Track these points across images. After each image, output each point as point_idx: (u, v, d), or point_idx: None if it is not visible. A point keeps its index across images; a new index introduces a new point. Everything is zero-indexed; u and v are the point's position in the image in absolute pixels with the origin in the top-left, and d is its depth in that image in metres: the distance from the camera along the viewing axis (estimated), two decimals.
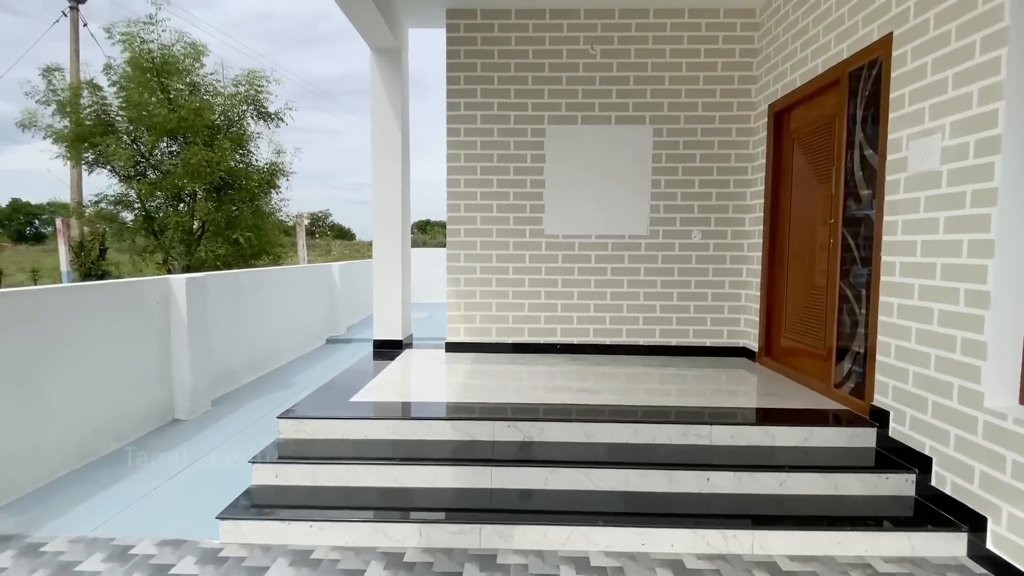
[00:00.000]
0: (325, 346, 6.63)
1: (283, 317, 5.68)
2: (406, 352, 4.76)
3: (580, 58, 4.53)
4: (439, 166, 5.02)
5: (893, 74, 2.72)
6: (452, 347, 4.76)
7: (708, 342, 4.69)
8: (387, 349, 4.79)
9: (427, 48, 5.79)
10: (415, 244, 10.25)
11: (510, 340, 4.74)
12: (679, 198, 4.60)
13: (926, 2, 2.49)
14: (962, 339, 2.29)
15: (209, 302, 4.17)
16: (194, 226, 9.48)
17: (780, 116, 4.09)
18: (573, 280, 4.68)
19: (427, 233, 30.81)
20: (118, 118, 9.11)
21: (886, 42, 2.78)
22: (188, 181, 8.84)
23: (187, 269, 9.20)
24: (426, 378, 3.94)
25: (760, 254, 4.34)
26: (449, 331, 4.77)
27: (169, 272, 9.36)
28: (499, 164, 4.62)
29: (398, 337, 4.84)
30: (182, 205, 9.49)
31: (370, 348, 4.95)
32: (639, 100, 4.53)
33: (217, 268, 8.94)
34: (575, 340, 4.70)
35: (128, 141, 9.08)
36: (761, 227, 4.31)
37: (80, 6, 12.56)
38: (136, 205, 9.41)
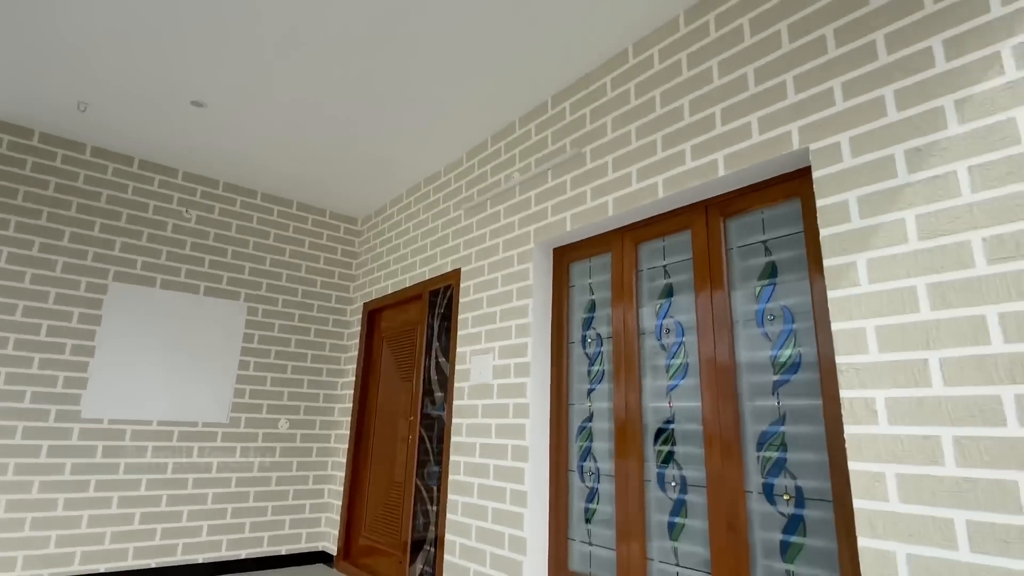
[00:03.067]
0: None
1: None
2: None
3: (171, 218, 4.05)
4: None
5: (460, 300, 3.33)
6: None
7: (284, 550, 4.15)
8: None
9: None
10: None
11: None
12: (269, 383, 4.29)
13: (483, 252, 3.22)
14: (509, 536, 2.63)
15: None
16: None
17: (373, 314, 4.45)
18: (115, 481, 3.57)
19: None
20: None
21: (456, 274, 3.43)
22: None
23: None
24: None
25: (347, 446, 4.30)
26: None
27: None
28: (23, 319, 3.44)
29: None
30: None
31: None
32: (236, 275, 4.26)
33: None
34: (103, 568, 3.45)
35: None
36: (349, 418, 4.34)
37: None
38: None
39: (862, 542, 1.51)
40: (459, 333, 3.28)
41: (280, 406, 4.30)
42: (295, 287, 4.52)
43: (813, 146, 1.80)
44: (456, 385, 3.21)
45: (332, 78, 2.88)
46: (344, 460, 4.29)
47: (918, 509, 1.42)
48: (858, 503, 1.53)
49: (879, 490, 1.50)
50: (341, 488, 4.24)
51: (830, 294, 1.68)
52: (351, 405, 4.37)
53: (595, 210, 2.55)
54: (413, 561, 3.29)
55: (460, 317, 3.30)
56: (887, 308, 1.56)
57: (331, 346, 4.63)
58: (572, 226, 2.65)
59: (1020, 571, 1.25)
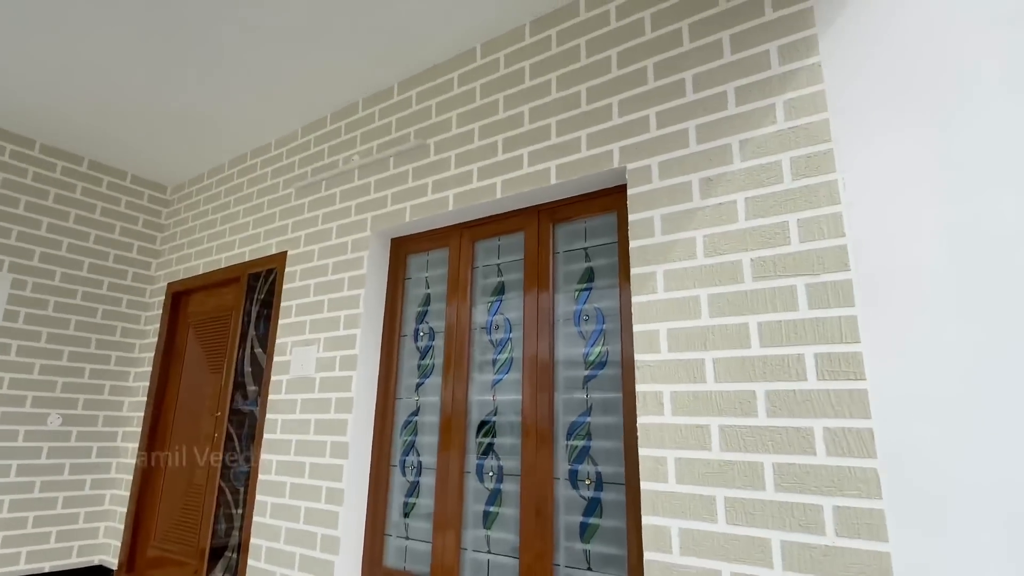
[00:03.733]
0: None
1: None
2: None
3: None
4: None
5: (285, 286, 3.09)
6: None
7: (48, 567, 3.48)
8: None
9: None
10: None
11: None
12: (37, 370, 3.56)
13: (314, 236, 3.03)
14: (322, 536, 2.50)
15: None
16: None
17: (179, 297, 3.94)
18: None
19: None
20: None
21: (281, 258, 3.18)
22: None
23: None
24: None
25: (136, 445, 3.75)
26: None
27: None
28: None
29: None
30: None
31: None
32: (1, 241, 3.47)
33: None
34: None
35: None
36: (143, 413, 3.79)
37: None
38: None
39: (645, 520, 1.70)
40: (281, 322, 3.05)
41: (51, 399, 3.60)
42: (79, 259, 3.82)
43: (630, 166, 1.99)
44: (273, 378, 2.98)
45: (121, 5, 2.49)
46: (133, 461, 3.73)
47: (689, 488, 1.65)
48: (644, 485, 1.73)
49: (661, 473, 1.70)
50: (127, 493, 3.68)
51: (634, 299, 1.88)
52: (146, 399, 3.81)
53: (435, 203, 2.54)
54: (211, 569, 2.98)
55: (283, 305, 3.07)
56: (676, 313, 1.78)
57: (123, 331, 4.00)
58: (412, 217, 2.61)
59: (760, 537, 1.51)
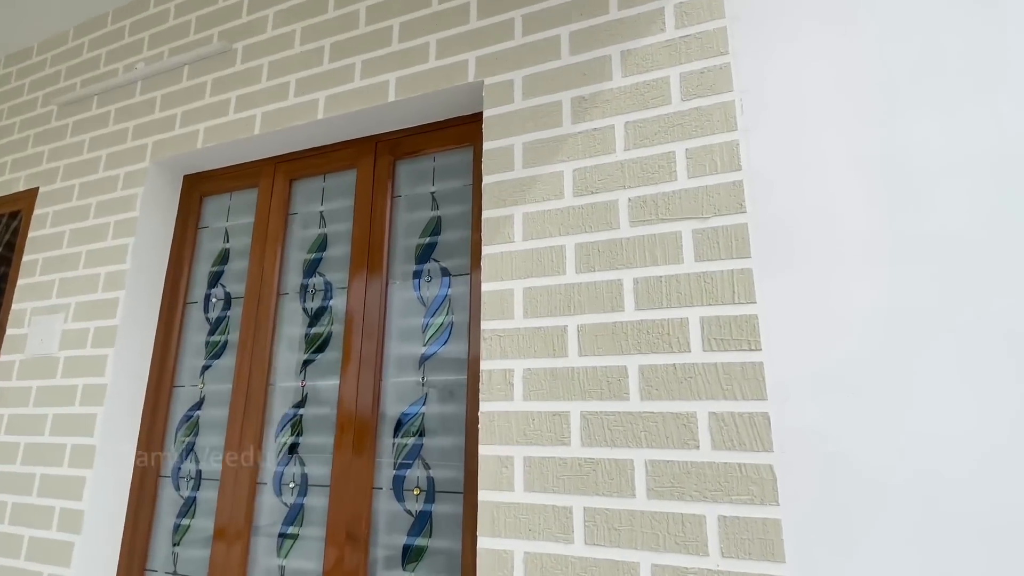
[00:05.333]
0: None
1: None
2: None
3: None
4: None
5: (31, 235, 2.26)
6: None
7: None
8: None
9: None
10: None
11: None
12: None
13: (77, 168, 2.23)
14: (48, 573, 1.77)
15: None
16: None
17: None
18: None
19: None
20: None
21: (31, 196, 2.34)
22: None
23: None
24: None
25: None
26: None
27: None
28: None
29: None
30: None
31: None
32: None
33: None
34: None
35: None
36: None
37: None
38: None
39: (482, 543, 1.25)
40: (20, 282, 2.21)
41: None
42: None
43: (488, 80, 1.55)
44: (3, 359, 2.14)
45: None
46: None
47: (541, 498, 1.22)
48: (484, 495, 1.28)
49: (506, 478, 1.26)
50: None
51: (485, 250, 1.43)
52: None
53: (239, 125, 1.91)
54: None
55: (26, 259, 2.23)
56: (536, 268, 1.36)
57: None
58: (206, 142, 1.96)
59: (627, 561, 1.12)
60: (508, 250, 1.40)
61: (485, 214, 1.45)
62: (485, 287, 1.40)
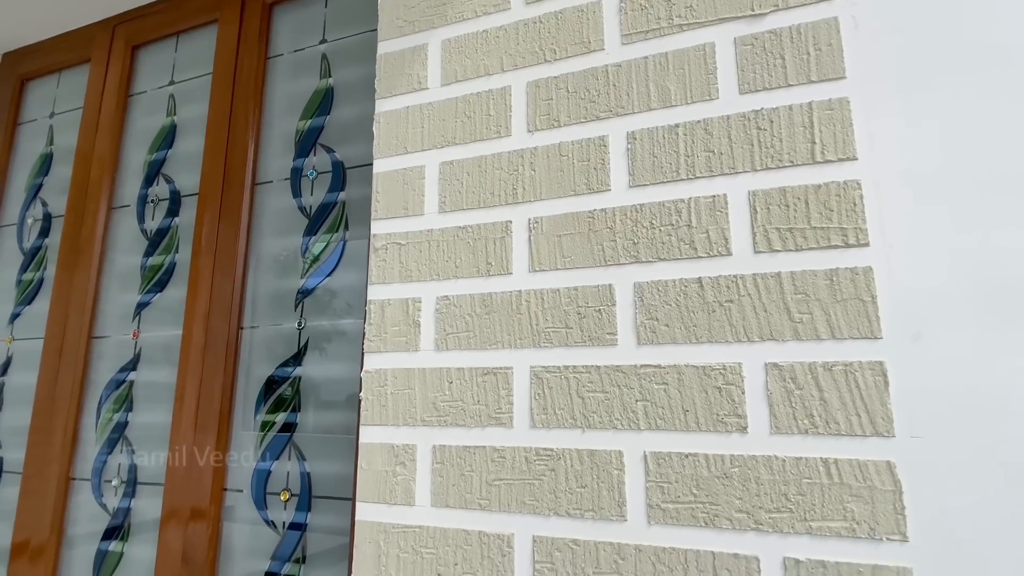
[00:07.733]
0: None
1: None
2: None
3: None
4: None
5: None
6: None
7: None
8: None
9: None
10: None
11: None
12: None
13: None
14: None
15: None
16: None
17: None
18: None
19: None
20: None
21: None
22: None
23: None
24: None
25: None
26: None
27: None
28: None
29: None
30: None
31: None
32: None
33: None
34: None
35: None
36: None
37: None
38: None
39: None
40: None
41: None
42: None
43: None
44: None
45: None
46: None
47: (460, 519, 0.69)
48: (363, 511, 0.74)
49: (402, 483, 0.72)
50: None
51: (379, 105, 0.86)
52: None
53: None
54: None
55: None
56: (464, 129, 0.80)
57: None
58: None
59: None
60: (417, 102, 0.84)
61: (381, 47, 0.88)
62: (378, 165, 0.84)
